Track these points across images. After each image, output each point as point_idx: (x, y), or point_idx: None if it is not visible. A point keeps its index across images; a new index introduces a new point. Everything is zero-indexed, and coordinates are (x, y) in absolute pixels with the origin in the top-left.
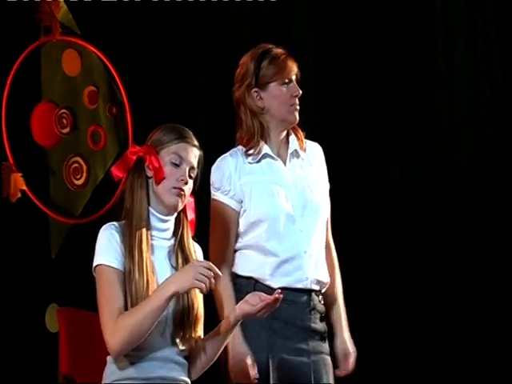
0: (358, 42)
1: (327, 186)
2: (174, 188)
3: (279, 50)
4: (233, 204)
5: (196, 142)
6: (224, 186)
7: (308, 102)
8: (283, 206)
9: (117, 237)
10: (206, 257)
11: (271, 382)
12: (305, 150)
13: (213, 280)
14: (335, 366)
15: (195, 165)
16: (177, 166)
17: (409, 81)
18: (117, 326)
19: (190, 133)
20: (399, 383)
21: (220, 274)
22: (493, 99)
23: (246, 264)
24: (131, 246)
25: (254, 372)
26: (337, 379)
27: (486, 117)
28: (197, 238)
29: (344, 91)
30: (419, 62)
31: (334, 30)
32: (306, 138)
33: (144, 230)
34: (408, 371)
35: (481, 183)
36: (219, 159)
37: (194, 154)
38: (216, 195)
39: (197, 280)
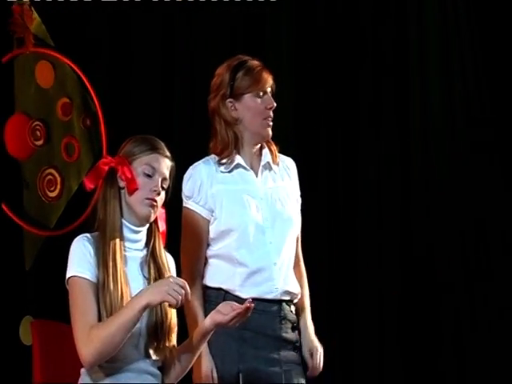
0: (331, 48)
1: (299, 200)
2: (147, 199)
3: (255, 62)
4: (204, 213)
5: (168, 153)
6: (195, 195)
7: (282, 111)
8: (254, 217)
9: (90, 248)
10: (178, 267)
11: None
12: (278, 164)
13: (183, 298)
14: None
15: (167, 176)
16: (149, 176)
17: (383, 82)
18: (90, 338)
19: (162, 144)
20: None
21: (189, 294)
22: (465, 96)
23: (216, 275)
24: (105, 257)
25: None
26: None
27: (458, 113)
28: (168, 249)
29: (318, 96)
30: (393, 62)
31: (307, 38)
32: (279, 152)
33: (117, 240)
34: (382, 371)
35: (454, 182)
36: (191, 167)
37: (166, 165)
38: (187, 203)
39: (169, 295)
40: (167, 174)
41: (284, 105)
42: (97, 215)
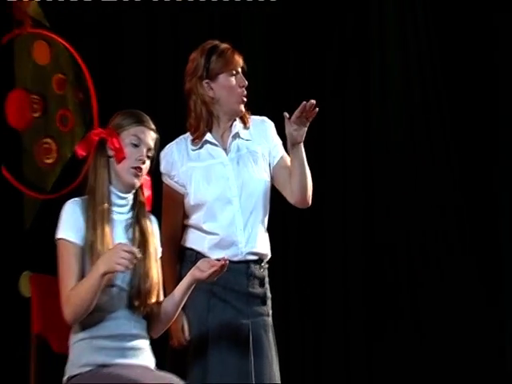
0: (303, 31)
1: (280, 151)
2: (133, 168)
3: (226, 45)
4: (177, 188)
5: (153, 126)
6: (169, 172)
7: (256, 85)
8: (220, 190)
9: (78, 212)
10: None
11: (210, 336)
12: (247, 129)
13: (134, 260)
14: None
15: (152, 146)
16: (136, 146)
17: (349, 61)
18: (67, 300)
19: (148, 117)
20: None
21: (138, 254)
22: (420, 71)
23: (189, 239)
24: (94, 220)
25: (186, 335)
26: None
27: (414, 85)
28: (154, 213)
29: (288, 79)
30: (356, 42)
31: (279, 20)
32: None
33: (105, 205)
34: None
35: (409, 145)
36: (165, 148)
37: (151, 137)
38: (165, 179)
39: (117, 264)
40: (152, 144)
41: (258, 80)
42: (88, 181)
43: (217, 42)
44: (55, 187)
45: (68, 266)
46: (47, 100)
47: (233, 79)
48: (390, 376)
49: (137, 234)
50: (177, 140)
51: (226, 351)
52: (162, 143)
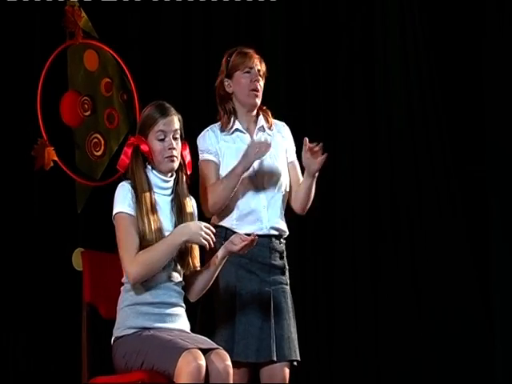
0: (315, 42)
1: (293, 155)
2: (166, 157)
3: (247, 48)
4: (216, 159)
5: (171, 110)
6: (208, 148)
7: (275, 90)
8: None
9: (131, 190)
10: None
11: (237, 302)
12: (271, 129)
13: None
14: None
15: (177, 127)
16: (163, 139)
17: (355, 68)
18: (136, 260)
19: (164, 104)
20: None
21: (212, 236)
22: (419, 79)
23: (218, 217)
24: (140, 203)
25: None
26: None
27: (414, 87)
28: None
29: (306, 85)
30: (362, 51)
31: (296, 35)
32: (273, 117)
33: (147, 194)
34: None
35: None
36: (202, 133)
37: (172, 121)
38: (203, 156)
39: (202, 238)
40: (177, 126)
41: (277, 83)
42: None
43: (241, 47)
44: (103, 176)
45: (128, 234)
46: (96, 101)
47: (246, 75)
48: (394, 333)
49: (176, 205)
50: (209, 128)
51: (251, 315)
52: (195, 135)
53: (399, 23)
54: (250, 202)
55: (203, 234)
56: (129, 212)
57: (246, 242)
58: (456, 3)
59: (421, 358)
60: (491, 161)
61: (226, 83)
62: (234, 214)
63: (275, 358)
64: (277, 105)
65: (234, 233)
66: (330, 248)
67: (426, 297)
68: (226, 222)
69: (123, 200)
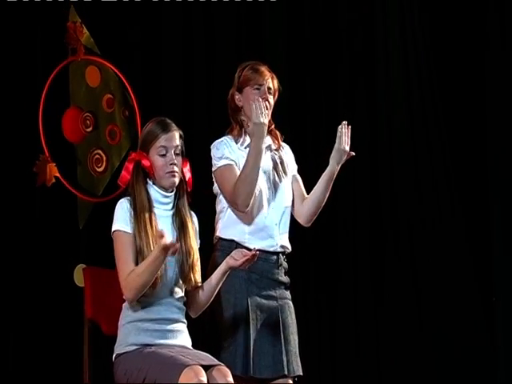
0: (317, 52)
1: (295, 169)
2: (167, 172)
3: (259, 64)
4: (235, 163)
5: (172, 126)
6: (226, 155)
7: (276, 101)
8: (261, 185)
9: (130, 208)
10: (205, 220)
11: (251, 316)
12: (279, 150)
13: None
14: None
15: (178, 143)
16: (164, 155)
17: (358, 78)
18: (127, 281)
19: (165, 120)
20: None
21: (177, 245)
22: (419, 87)
23: (229, 229)
24: (139, 219)
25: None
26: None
27: (415, 97)
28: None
29: (306, 90)
30: (363, 61)
31: (298, 43)
32: (282, 140)
33: (147, 209)
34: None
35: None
36: (217, 141)
37: (174, 138)
38: (220, 163)
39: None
40: (178, 142)
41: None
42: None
43: (254, 62)
44: (105, 192)
45: (124, 252)
46: (98, 117)
47: (255, 92)
48: (395, 341)
49: (177, 220)
50: (222, 138)
51: (263, 331)
52: (198, 150)
53: (399, 24)
54: (264, 218)
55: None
56: (125, 230)
57: (247, 257)
58: (456, 4)
59: (422, 364)
60: (492, 162)
61: (237, 97)
62: (247, 229)
63: (287, 373)
64: (277, 105)
65: (244, 248)
66: (332, 247)
67: (427, 300)
68: (236, 236)
69: (121, 218)
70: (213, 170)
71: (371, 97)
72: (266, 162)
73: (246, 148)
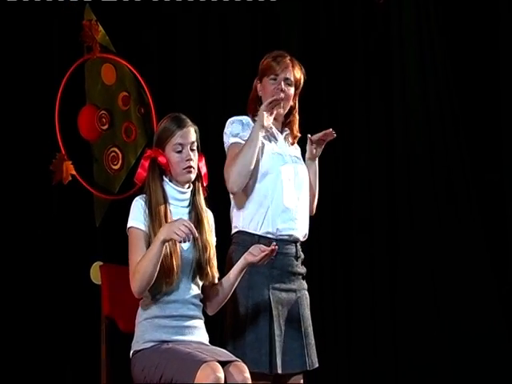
0: (332, 53)
1: None
2: (184, 168)
3: (282, 54)
4: None
5: (188, 122)
6: (241, 132)
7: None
8: (284, 166)
9: (144, 206)
10: (220, 215)
11: (273, 313)
12: (293, 144)
13: (190, 235)
14: None
15: (193, 139)
16: (180, 151)
17: (372, 79)
18: (133, 273)
19: (180, 116)
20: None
21: (196, 234)
22: (437, 90)
23: (248, 224)
24: (154, 216)
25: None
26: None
27: (431, 101)
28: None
29: (322, 93)
30: (379, 62)
31: (313, 43)
32: (297, 139)
33: (162, 206)
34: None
35: (427, 152)
36: (234, 117)
37: (189, 133)
38: (235, 139)
39: (174, 233)
40: (193, 138)
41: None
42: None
43: (279, 51)
44: (121, 190)
45: (137, 248)
46: (114, 115)
47: (272, 82)
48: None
49: (193, 215)
50: (242, 116)
51: (286, 326)
52: (213, 146)
53: (416, 32)
54: (287, 199)
55: (177, 228)
56: (140, 227)
57: (265, 253)
58: (472, 12)
59: (439, 364)
60: (509, 168)
61: (258, 86)
62: (269, 211)
63: (308, 367)
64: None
65: (264, 238)
66: (348, 254)
67: (444, 294)
68: (258, 221)
69: (136, 215)
70: (226, 145)
71: (388, 104)
72: (287, 148)
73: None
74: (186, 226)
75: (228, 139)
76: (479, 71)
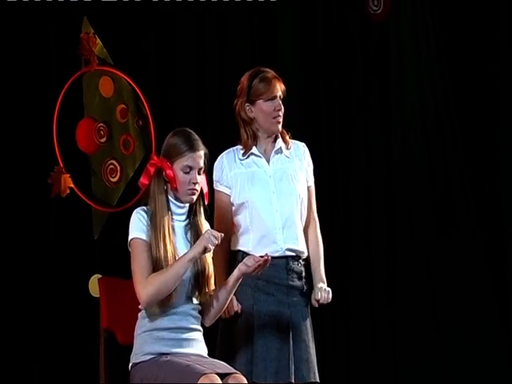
0: (330, 57)
1: (311, 178)
2: (188, 189)
3: (269, 73)
4: (227, 191)
5: (200, 146)
6: (220, 178)
7: (290, 107)
8: (262, 191)
9: (145, 217)
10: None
11: (256, 322)
12: (289, 149)
13: (218, 243)
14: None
15: (202, 164)
16: (188, 173)
17: (371, 81)
18: (148, 282)
19: (196, 137)
20: None
21: (222, 235)
22: (434, 93)
23: (236, 241)
24: (156, 228)
25: (235, 307)
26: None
27: (428, 104)
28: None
29: (319, 100)
30: (377, 66)
31: (311, 49)
32: (291, 138)
33: (166, 218)
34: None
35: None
36: (217, 159)
37: (200, 157)
38: (216, 186)
39: (208, 241)
40: (202, 163)
41: (292, 100)
42: (148, 201)
43: (262, 69)
44: (120, 202)
45: (141, 259)
46: (112, 127)
47: (269, 104)
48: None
49: (193, 235)
50: (227, 151)
51: (269, 337)
52: (211, 158)
53: (413, 37)
54: (266, 223)
55: (209, 238)
56: (142, 238)
57: (259, 263)
58: (469, 18)
59: (438, 371)
60: (507, 175)
61: (247, 108)
62: (251, 237)
63: (293, 380)
64: (291, 120)
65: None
66: (346, 262)
67: (443, 310)
68: (243, 246)
69: (138, 226)
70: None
71: (385, 101)
72: (272, 166)
73: (247, 158)
74: (214, 236)
75: (214, 184)
76: (477, 78)
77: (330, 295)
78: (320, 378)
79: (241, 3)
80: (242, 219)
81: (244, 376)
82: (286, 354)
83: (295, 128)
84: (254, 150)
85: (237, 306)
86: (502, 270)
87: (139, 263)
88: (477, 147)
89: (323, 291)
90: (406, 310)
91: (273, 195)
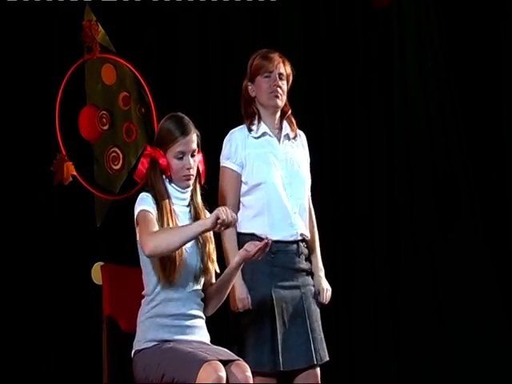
0: (332, 49)
1: (308, 167)
2: (183, 176)
3: (270, 52)
4: (239, 170)
5: (190, 128)
6: (232, 155)
7: (293, 99)
8: (278, 173)
9: (152, 198)
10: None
11: (276, 310)
12: (295, 139)
13: (233, 222)
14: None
15: (195, 147)
16: (181, 158)
17: (372, 74)
18: (155, 234)
19: (183, 120)
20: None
21: (235, 217)
22: (437, 85)
23: (249, 223)
24: (161, 211)
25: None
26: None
27: (430, 97)
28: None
29: (322, 90)
30: (379, 58)
31: (313, 41)
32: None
33: (167, 203)
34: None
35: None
36: (229, 133)
37: (192, 141)
38: (225, 163)
39: (220, 212)
40: (194, 146)
41: (295, 91)
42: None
43: (266, 50)
44: (122, 190)
45: (149, 223)
46: (114, 115)
47: (266, 79)
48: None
49: (192, 213)
50: (239, 127)
51: (289, 325)
52: (214, 145)
53: (416, 29)
54: (282, 208)
55: (221, 210)
56: (150, 211)
57: (259, 247)
58: (473, 11)
59: (443, 372)
60: (511, 167)
61: (250, 88)
62: (266, 220)
63: (316, 362)
64: (294, 113)
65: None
66: (350, 263)
67: (447, 308)
68: (256, 229)
69: (146, 202)
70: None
71: (388, 96)
72: (284, 150)
73: (259, 138)
74: (230, 212)
75: (221, 160)
76: (480, 71)
77: (330, 293)
78: (323, 376)
79: None
80: (256, 200)
81: (268, 366)
82: (306, 337)
83: (298, 119)
84: (265, 128)
85: (249, 300)
86: (506, 262)
87: (147, 226)
88: (480, 139)
89: (325, 292)
90: (409, 304)
91: (286, 180)
